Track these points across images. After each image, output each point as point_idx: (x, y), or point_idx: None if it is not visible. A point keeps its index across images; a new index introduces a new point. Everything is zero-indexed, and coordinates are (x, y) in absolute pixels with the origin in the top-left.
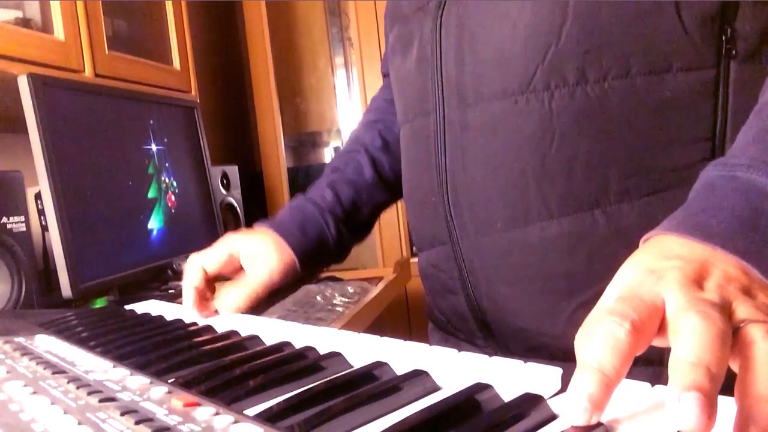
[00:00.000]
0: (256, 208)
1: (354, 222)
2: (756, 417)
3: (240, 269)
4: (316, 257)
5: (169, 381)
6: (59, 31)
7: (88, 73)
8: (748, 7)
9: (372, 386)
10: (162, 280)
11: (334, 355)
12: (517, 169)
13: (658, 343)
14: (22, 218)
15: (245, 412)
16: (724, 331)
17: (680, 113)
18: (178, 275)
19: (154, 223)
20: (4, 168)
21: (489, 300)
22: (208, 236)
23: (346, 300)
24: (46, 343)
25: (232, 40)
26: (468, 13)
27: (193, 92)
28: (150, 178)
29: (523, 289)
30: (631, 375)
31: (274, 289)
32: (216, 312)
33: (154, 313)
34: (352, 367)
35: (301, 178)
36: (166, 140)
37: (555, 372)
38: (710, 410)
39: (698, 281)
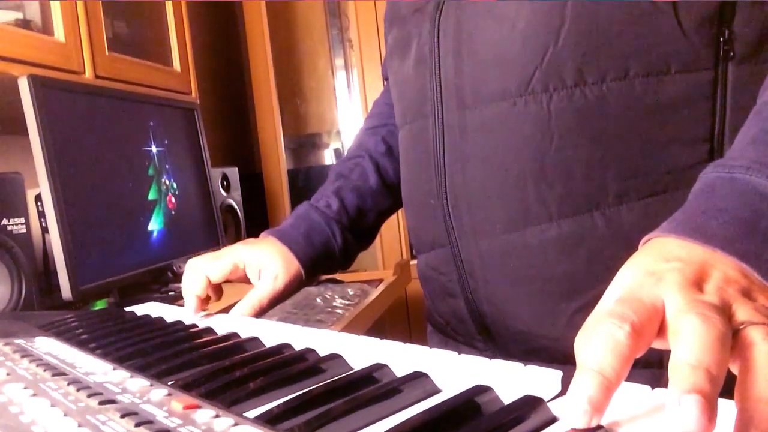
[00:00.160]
0: (256, 210)
1: (359, 229)
2: (756, 419)
3: (244, 277)
4: (322, 266)
5: (169, 383)
6: (59, 33)
7: (89, 74)
8: (746, 8)
9: (372, 388)
10: (162, 282)
11: (334, 357)
12: (516, 171)
13: (657, 345)
14: (23, 220)
15: (245, 414)
16: (723, 333)
17: (678, 115)
18: (178, 277)
19: (154, 225)
20: (5, 170)
21: (488, 302)
22: (208, 238)
23: (346, 302)
24: (46, 345)
25: (232, 42)
26: (466, 15)
27: (193, 94)
28: (150, 179)
29: (522, 292)
30: (630, 377)
31: (279, 300)
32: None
33: (154, 315)
34: (352, 369)
35: (301, 179)
36: (166, 142)
37: (555, 374)
38: (710, 413)
39: (698, 283)
